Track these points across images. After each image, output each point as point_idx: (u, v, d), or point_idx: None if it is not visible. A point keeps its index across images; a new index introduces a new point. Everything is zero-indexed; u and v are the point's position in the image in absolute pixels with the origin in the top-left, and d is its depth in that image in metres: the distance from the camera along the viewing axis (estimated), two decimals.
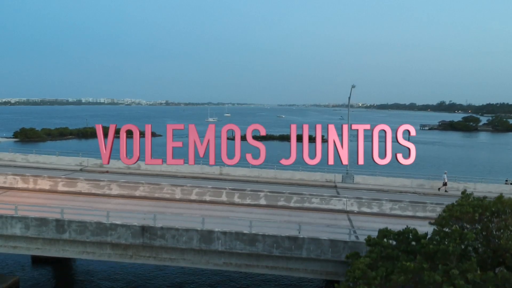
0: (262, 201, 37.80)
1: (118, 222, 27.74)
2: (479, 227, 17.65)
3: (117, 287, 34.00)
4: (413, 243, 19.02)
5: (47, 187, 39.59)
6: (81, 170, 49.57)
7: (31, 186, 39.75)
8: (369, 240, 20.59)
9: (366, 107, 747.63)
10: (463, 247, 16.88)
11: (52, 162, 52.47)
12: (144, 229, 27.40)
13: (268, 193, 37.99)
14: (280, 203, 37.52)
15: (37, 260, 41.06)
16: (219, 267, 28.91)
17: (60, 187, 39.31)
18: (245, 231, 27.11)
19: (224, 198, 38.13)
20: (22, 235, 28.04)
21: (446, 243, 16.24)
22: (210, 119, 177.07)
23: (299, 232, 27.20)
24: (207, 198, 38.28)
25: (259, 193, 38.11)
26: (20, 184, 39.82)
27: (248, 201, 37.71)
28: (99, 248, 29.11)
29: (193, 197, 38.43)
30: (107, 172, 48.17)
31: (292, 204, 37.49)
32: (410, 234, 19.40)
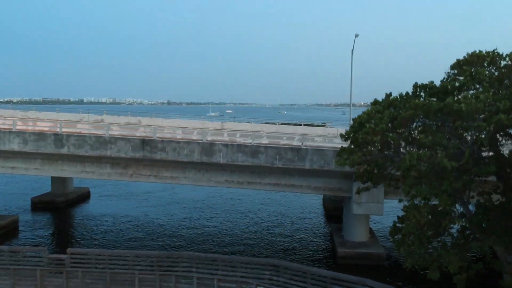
0: (264, 140, 37.23)
1: (117, 135, 27.22)
2: None
3: (114, 231, 33.67)
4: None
5: (46, 129, 39.08)
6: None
7: (30, 128, 39.25)
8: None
9: (367, 106, 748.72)
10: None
11: (52, 118, 51.98)
12: (144, 142, 26.88)
13: (271, 133, 37.40)
14: (282, 142, 36.93)
15: (37, 207, 40.71)
16: (221, 185, 28.38)
17: (60, 129, 38.79)
18: (247, 143, 26.57)
19: (225, 137, 37.57)
20: (20, 150, 27.51)
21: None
22: (212, 114, 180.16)
23: (302, 144, 26.61)
24: (209, 138, 37.71)
25: (261, 133, 37.53)
26: (20, 127, 39.32)
27: (249, 141, 37.14)
28: (98, 167, 28.60)
29: (195, 137, 37.86)
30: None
31: (295, 143, 36.89)
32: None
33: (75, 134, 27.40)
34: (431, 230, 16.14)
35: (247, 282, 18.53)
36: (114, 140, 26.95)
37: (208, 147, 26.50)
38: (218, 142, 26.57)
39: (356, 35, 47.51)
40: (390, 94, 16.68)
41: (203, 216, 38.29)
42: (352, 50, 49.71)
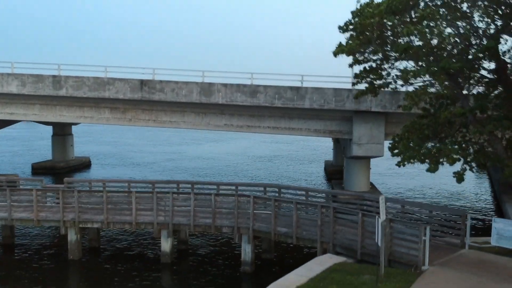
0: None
1: (116, 77, 27.07)
2: None
3: None
4: None
5: None
6: None
7: None
8: None
9: None
10: None
11: None
12: (143, 83, 26.71)
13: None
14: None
15: (38, 172, 40.67)
16: (220, 129, 28.20)
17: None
18: (246, 83, 26.37)
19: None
20: (19, 92, 27.37)
21: None
22: None
23: (301, 83, 26.37)
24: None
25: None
26: None
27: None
28: (97, 111, 28.47)
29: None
30: None
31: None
32: None
33: (73, 76, 27.27)
34: (429, 130, 15.93)
35: (244, 195, 18.32)
36: (112, 81, 26.80)
37: (207, 87, 26.31)
38: (217, 82, 26.36)
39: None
40: None
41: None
42: None
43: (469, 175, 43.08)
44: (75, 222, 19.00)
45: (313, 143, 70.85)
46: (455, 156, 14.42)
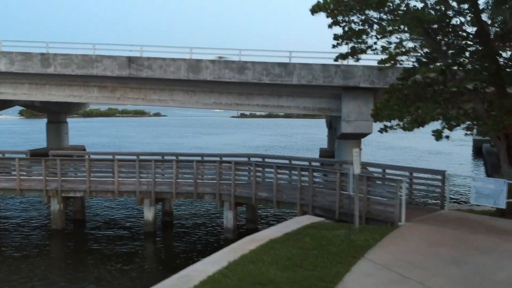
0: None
1: (104, 53, 27.01)
2: None
3: None
4: None
5: None
6: None
7: None
8: None
9: None
10: None
11: None
12: (130, 60, 26.63)
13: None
14: None
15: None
16: (209, 107, 28.11)
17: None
18: (234, 59, 26.28)
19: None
20: (7, 70, 27.30)
21: None
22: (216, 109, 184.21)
23: (289, 59, 26.23)
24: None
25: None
26: None
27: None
28: (86, 90, 28.45)
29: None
30: None
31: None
32: None
33: (62, 53, 27.20)
34: (409, 90, 15.83)
35: (226, 161, 18.25)
36: (100, 58, 26.74)
37: (195, 64, 26.21)
38: (205, 59, 26.27)
39: None
40: None
41: None
42: None
43: (466, 163, 42.79)
44: (58, 191, 18.94)
45: (312, 135, 70.93)
46: (434, 113, 14.29)
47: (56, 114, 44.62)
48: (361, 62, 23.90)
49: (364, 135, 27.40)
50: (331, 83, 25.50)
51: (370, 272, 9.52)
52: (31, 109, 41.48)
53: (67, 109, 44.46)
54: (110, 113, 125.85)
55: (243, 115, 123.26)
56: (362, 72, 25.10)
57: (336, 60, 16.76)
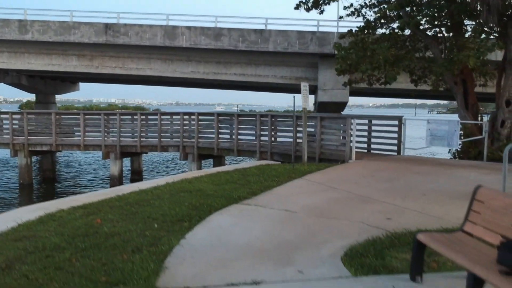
0: None
1: (82, 20, 27.02)
2: None
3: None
4: None
5: None
6: None
7: None
8: None
9: (376, 106, 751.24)
10: None
11: None
12: (107, 27, 26.62)
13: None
14: None
15: None
16: (186, 75, 28.07)
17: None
18: (210, 26, 26.26)
19: None
20: None
21: None
22: (218, 108, 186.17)
23: (265, 26, 26.22)
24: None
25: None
26: None
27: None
28: (65, 59, 28.44)
29: None
30: None
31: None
32: None
33: (39, 20, 27.22)
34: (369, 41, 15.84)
35: (189, 113, 18.23)
36: (77, 25, 26.74)
37: (171, 30, 26.21)
38: (181, 25, 26.25)
39: None
40: None
41: None
42: None
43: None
44: (24, 145, 18.95)
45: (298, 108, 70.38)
46: (388, 53, 14.27)
47: (44, 95, 44.55)
48: (337, 30, 23.98)
49: (342, 104, 27.35)
50: (307, 50, 25.46)
51: (300, 185, 9.53)
52: (19, 88, 41.47)
53: (55, 89, 44.40)
54: (110, 110, 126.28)
55: None
56: (337, 39, 25.02)
57: (296, 8, 16.72)
